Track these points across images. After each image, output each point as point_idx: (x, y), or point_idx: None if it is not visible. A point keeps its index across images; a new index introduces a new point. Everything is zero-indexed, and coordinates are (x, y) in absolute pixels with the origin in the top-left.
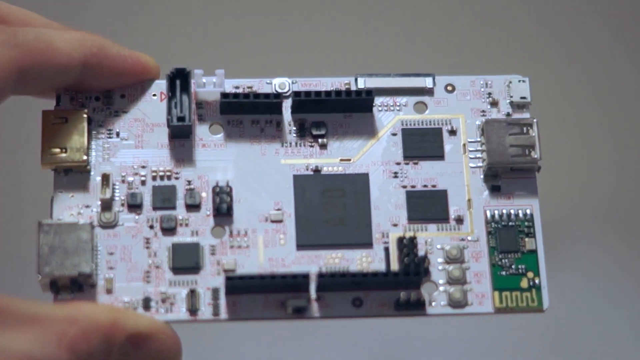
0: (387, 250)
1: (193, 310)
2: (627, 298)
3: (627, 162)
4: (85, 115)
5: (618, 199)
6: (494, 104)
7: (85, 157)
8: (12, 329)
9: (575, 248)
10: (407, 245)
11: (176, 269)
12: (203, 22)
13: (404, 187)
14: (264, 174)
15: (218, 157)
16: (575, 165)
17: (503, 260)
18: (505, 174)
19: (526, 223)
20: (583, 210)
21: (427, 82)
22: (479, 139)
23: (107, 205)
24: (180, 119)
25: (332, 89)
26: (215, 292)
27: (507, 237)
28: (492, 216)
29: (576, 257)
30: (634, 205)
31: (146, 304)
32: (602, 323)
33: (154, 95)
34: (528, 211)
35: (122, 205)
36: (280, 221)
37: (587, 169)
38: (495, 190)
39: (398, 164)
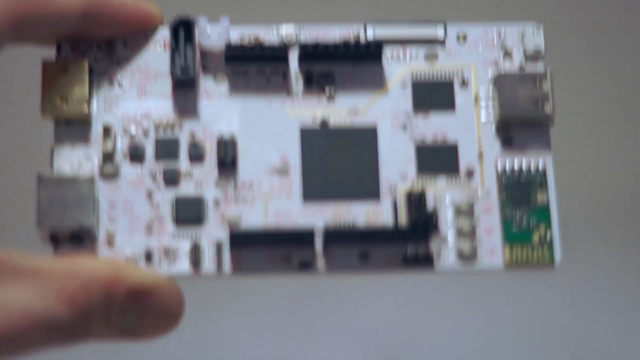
0: (395, 203)
1: (196, 264)
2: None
3: None
4: (86, 65)
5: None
6: (507, 54)
7: (86, 108)
8: (11, 283)
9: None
10: (415, 200)
11: (179, 222)
12: None
13: (414, 140)
14: (269, 126)
15: (222, 109)
16: (590, 119)
17: (514, 214)
18: (517, 127)
19: (538, 177)
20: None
21: (439, 32)
22: (490, 92)
23: (108, 157)
24: (184, 69)
25: (340, 38)
26: (218, 246)
27: (519, 191)
28: (504, 170)
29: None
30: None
31: (148, 257)
32: (616, 319)
33: (157, 44)
34: (541, 165)
35: (124, 156)
36: (286, 173)
37: (602, 133)
38: (507, 143)
39: (407, 116)
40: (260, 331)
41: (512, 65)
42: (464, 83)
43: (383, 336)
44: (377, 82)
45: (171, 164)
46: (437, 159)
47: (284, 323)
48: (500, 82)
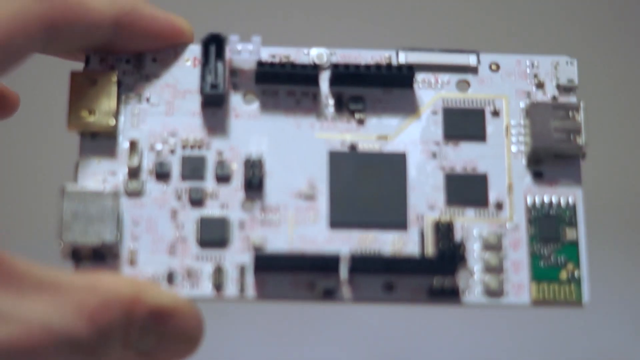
0: (422, 233)
1: (218, 286)
2: None
3: None
4: (115, 78)
5: None
6: (540, 85)
7: (113, 122)
8: (31, 296)
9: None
10: (443, 230)
11: (203, 243)
12: None
13: (443, 168)
14: (298, 148)
15: (251, 129)
16: (622, 153)
17: (542, 250)
18: (548, 160)
19: (568, 212)
20: (628, 200)
21: (471, 60)
22: (522, 122)
23: (134, 173)
24: (214, 86)
25: (372, 62)
26: (242, 268)
27: (548, 226)
28: (533, 203)
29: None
30: None
31: (170, 277)
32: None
33: (187, 60)
34: (571, 200)
35: (150, 173)
36: (313, 198)
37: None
38: (537, 176)
39: (437, 144)
40: (261, 331)
41: (544, 97)
42: (496, 113)
43: (382, 336)
44: (408, 107)
45: (197, 184)
46: (466, 189)
47: (284, 323)
48: (533, 111)
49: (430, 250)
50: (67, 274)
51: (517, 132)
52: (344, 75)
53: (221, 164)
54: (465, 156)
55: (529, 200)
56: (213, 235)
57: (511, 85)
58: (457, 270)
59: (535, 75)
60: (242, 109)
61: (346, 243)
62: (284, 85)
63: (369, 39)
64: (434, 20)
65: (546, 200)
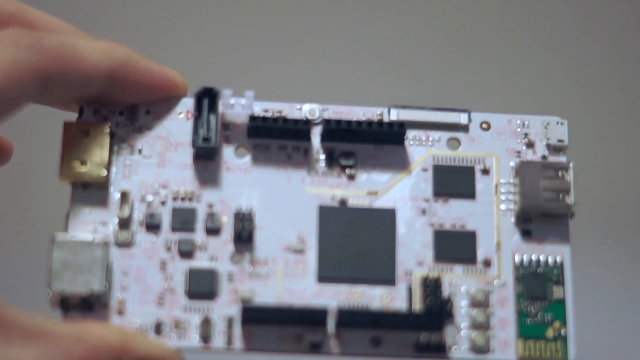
0: (409, 289)
1: (206, 337)
2: None
3: None
4: (108, 130)
5: None
6: (530, 145)
7: (105, 173)
8: (20, 343)
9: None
10: (431, 286)
11: (191, 294)
12: (234, 42)
13: (432, 225)
14: (288, 202)
15: (242, 182)
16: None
17: (529, 308)
18: (537, 218)
19: (556, 271)
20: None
21: (462, 118)
22: (512, 181)
23: (124, 224)
24: (206, 139)
25: (363, 118)
26: (230, 320)
27: (536, 284)
28: (521, 261)
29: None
30: None
31: (158, 328)
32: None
33: (180, 113)
34: (559, 258)
35: (140, 224)
36: (302, 252)
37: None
38: (526, 234)
39: (427, 200)
40: None
41: (534, 156)
42: (486, 171)
43: None
44: (398, 164)
45: (187, 235)
46: (455, 246)
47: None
48: (523, 170)
49: (417, 305)
50: (56, 322)
51: (507, 190)
52: (335, 130)
53: (211, 217)
54: (455, 213)
55: (517, 259)
56: (201, 287)
57: (501, 144)
58: (444, 326)
59: (526, 135)
60: (234, 162)
61: (334, 297)
62: (275, 139)
63: (361, 96)
64: (426, 78)
65: (534, 258)
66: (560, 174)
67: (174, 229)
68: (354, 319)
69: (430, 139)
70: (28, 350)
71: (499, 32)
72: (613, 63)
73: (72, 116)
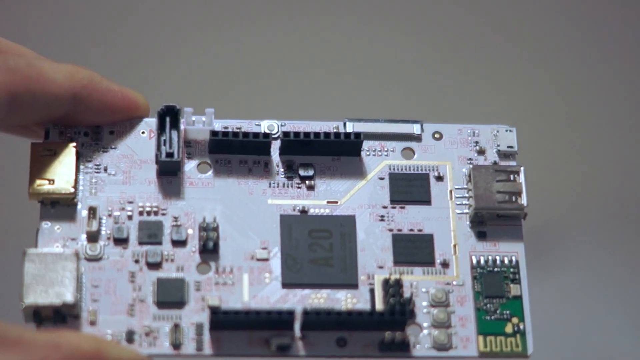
0: (372, 291)
1: (176, 344)
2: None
3: (618, 175)
4: (74, 149)
5: (611, 205)
6: (481, 152)
7: (72, 190)
8: None
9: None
10: (392, 287)
11: (160, 304)
12: (194, 62)
13: (390, 230)
14: (250, 213)
15: (205, 196)
16: (566, 181)
17: (488, 305)
18: (491, 220)
19: (512, 269)
20: (576, 216)
21: (415, 129)
22: (465, 186)
23: (93, 238)
24: (169, 154)
25: (321, 131)
26: (199, 327)
27: (493, 283)
28: (478, 262)
29: (570, 260)
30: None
31: (129, 337)
32: (599, 325)
33: (143, 132)
34: (513, 258)
35: (108, 239)
36: (266, 260)
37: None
38: (481, 236)
39: (385, 207)
40: None
41: (486, 162)
42: (440, 177)
43: None
44: (356, 173)
45: (154, 248)
46: (414, 249)
47: None
48: (476, 174)
49: (380, 307)
50: (31, 330)
51: (461, 195)
52: (294, 143)
53: (177, 229)
54: (412, 218)
55: (474, 259)
56: (170, 296)
57: (454, 152)
58: (407, 325)
59: (477, 143)
60: (197, 177)
61: (299, 302)
62: (236, 154)
63: (316, 111)
64: (379, 92)
65: (490, 258)
66: (512, 177)
67: (141, 241)
68: (319, 321)
69: (386, 149)
70: (4, 358)
71: (448, 43)
72: (559, 68)
73: (38, 140)
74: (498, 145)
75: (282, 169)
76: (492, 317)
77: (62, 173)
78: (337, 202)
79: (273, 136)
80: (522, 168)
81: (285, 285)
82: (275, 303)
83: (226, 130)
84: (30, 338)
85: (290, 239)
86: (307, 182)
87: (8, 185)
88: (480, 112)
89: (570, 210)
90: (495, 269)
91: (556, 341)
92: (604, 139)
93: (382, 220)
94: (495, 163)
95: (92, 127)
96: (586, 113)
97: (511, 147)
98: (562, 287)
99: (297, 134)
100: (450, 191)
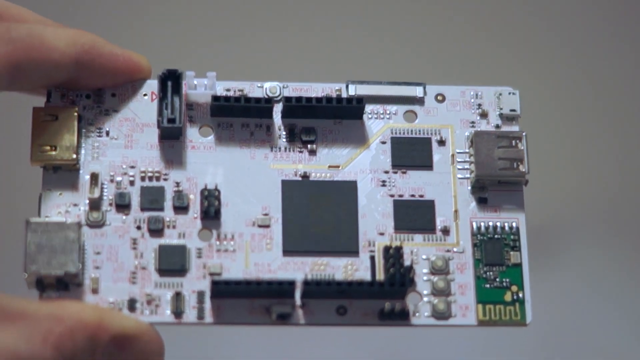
0: (372, 259)
1: (178, 312)
2: (621, 299)
3: (618, 174)
4: (75, 113)
5: (611, 204)
6: (484, 115)
7: (74, 156)
8: None
9: (569, 250)
10: (393, 255)
11: (162, 271)
12: (196, 23)
13: (392, 196)
14: (252, 178)
15: (207, 160)
16: (565, 180)
17: (488, 273)
18: (492, 187)
19: (512, 236)
20: (576, 215)
21: (418, 91)
22: (467, 150)
23: (95, 205)
24: (171, 120)
25: (322, 94)
26: (200, 295)
27: (493, 250)
28: (478, 228)
29: (570, 260)
30: (627, 211)
31: (131, 305)
32: (597, 325)
33: (145, 95)
34: (514, 224)
35: (110, 204)
36: (268, 226)
37: (577, 183)
38: (482, 202)
39: (386, 172)
40: (258, 330)
41: (488, 126)
42: (442, 142)
43: (383, 337)
44: (357, 138)
45: (156, 214)
46: (414, 215)
47: (268, 330)
48: (477, 140)
49: (381, 274)
50: (33, 302)
51: (463, 159)
52: (295, 107)
53: (179, 195)
54: (413, 184)
55: (475, 226)
56: (172, 263)
57: (456, 115)
58: (406, 293)
59: (479, 106)
60: (199, 141)
61: (300, 269)
62: (238, 117)
63: (319, 72)
64: (382, 53)
65: (491, 225)
66: (514, 143)
67: (143, 207)
68: (319, 290)
69: (388, 112)
70: (7, 332)
71: (453, 6)
72: (562, 35)
73: (40, 101)
74: (501, 109)
75: (284, 133)
76: (492, 285)
77: (64, 138)
78: (338, 167)
79: (275, 99)
80: (524, 134)
81: (286, 252)
82: (276, 270)
83: (228, 94)
84: (32, 311)
85: (291, 205)
86: (308, 146)
87: (12, 150)
88: (484, 74)
89: (570, 210)
90: (496, 236)
91: (556, 341)
92: (604, 139)
93: (384, 185)
94: (497, 127)
95: (94, 90)
96: (586, 112)
97: (514, 110)
98: (562, 287)
99: (299, 99)
100: (452, 155)
